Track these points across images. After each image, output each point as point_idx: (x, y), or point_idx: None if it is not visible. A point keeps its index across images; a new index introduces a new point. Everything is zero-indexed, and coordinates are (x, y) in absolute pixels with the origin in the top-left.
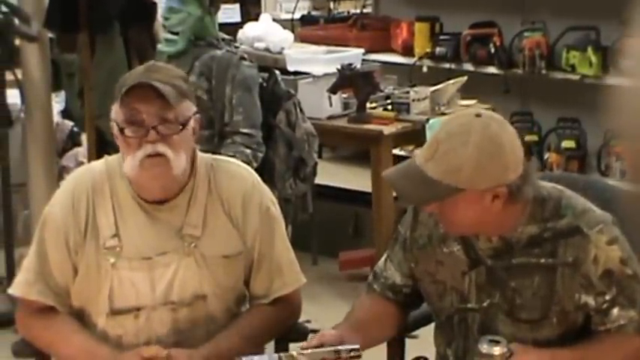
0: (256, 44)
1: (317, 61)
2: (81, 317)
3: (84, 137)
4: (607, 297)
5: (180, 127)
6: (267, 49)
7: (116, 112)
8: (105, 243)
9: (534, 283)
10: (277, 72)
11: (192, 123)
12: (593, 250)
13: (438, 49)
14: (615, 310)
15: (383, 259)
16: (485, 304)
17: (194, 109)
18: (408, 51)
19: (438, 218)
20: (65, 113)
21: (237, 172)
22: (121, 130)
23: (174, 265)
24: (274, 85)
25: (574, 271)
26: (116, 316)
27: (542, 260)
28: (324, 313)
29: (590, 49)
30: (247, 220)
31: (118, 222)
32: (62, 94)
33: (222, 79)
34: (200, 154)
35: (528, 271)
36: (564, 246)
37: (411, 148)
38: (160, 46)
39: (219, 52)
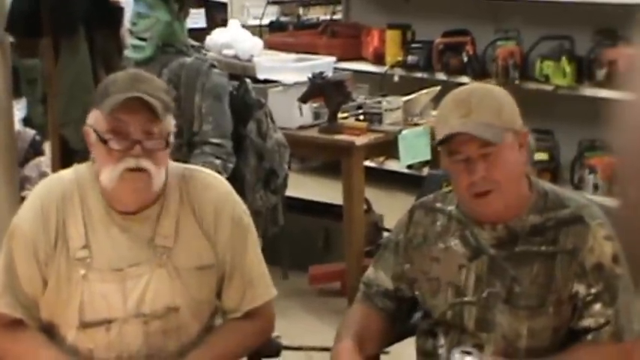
0: (224, 51)
1: (287, 69)
2: (50, 331)
3: (47, 146)
4: (593, 290)
5: (165, 143)
6: (235, 57)
7: (98, 119)
8: (75, 254)
9: (534, 270)
10: (248, 80)
11: (172, 138)
12: (591, 240)
13: (409, 58)
14: (597, 306)
15: (371, 269)
16: (484, 295)
17: (173, 122)
18: (379, 59)
19: (483, 185)
20: (26, 121)
21: (209, 182)
22: (104, 140)
23: (147, 277)
24: (245, 93)
25: (572, 258)
26: (87, 329)
27: (543, 248)
28: (294, 329)
29: (564, 59)
30: (219, 230)
31: (88, 232)
32: (23, 101)
33: (191, 87)
34: (172, 164)
35: (529, 259)
36: (566, 234)
37: (381, 159)
38: (127, 52)
39: (188, 60)
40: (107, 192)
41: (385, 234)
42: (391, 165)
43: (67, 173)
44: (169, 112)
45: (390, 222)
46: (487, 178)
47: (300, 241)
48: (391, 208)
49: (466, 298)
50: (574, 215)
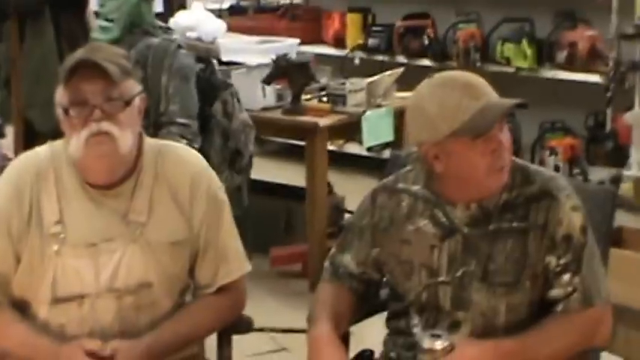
0: (188, 33)
1: (251, 51)
2: (22, 307)
3: (9, 129)
4: (562, 261)
5: (125, 104)
6: (199, 39)
7: (60, 95)
8: (49, 230)
9: (507, 247)
10: (215, 61)
11: (137, 101)
12: (559, 213)
13: (370, 41)
14: (566, 276)
15: (335, 251)
16: (458, 274)
17: (139, 87)
18: (339, 42)
19: (505, 158)
20: None
21: (185, 156)
22: (66, 111)
23: (120, 252)
24: (211, 74)
25: (543, 232)
26: (59, 304)
27: (515, 224)
28: (255, 310)
29: (525, 42)
30: (194, 205)
31: (62, 208)
32: None
33: (158, 67)
34: (148, 139)
35: (502, 236)
36: (536, 210)
37: (341, 142)
38: (94, 34)
39: (155, 41)
40: (78, 164)
41: (347, 216)
42: (351, 148)
43: (42, 150)
44: (129, 76)
45: (350, 204)
46: (508, 151)
47: (262, 223)
48: (351, 191)
49: (440, 278)
50: (542, 190)
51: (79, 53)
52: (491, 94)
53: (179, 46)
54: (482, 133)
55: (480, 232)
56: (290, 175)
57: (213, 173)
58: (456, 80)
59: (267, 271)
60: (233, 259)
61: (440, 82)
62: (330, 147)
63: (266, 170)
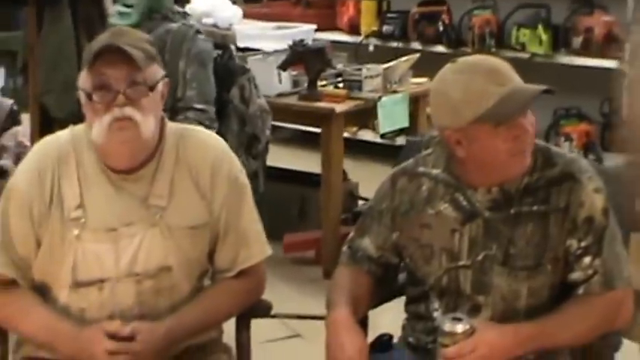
0: (204, 20)
1: (267, 37)
2: (42, 291)
3: (24, 116)
4: (583, 243)
5: (149, 89)
6: (215, 25)
7: (83, 79)
8: (70, 214)
9: (528, 231)
10: (232, 47)
11: (160, 87)
12: (581, 195)
13: (385, 28)
14: (587, 259)
15: (354, 235)
16: (479, 258)
17: (162, 72)
18: (354, 29)
19: (530, 142)
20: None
21: (206, 140)
22: (89, 96)
23: (140, 236)
24: (229, 59)
25: (564, 215)
26: (79, 288)
27: (535, 208)
28: (268, 296)
29: (540, 27)
30: (215, 188)
31: (83, 192)
32: (1, 71)
33: (176, 53)
34: (169, 123)
35: (523, 220)
36: (557, 193)
37: (354, 129)
38: (112, 20)
39: (174, 26)
40: (100, 149)
41: (360, 202)
42: (364, 135)
43: (63, 134)
44: (153, 61)
45: (364, 191)
46: (532, 136)
47: (275, 210)
48: (365, 178)
49: (461, 262)
50: (563, 172)
51: (104, 38)
52: (516, 80)
53: (198, 32)
54: (506, 121)
55: (501, 216)
56: (302, 162)
57: (234, 157)
58: (480, 65)
59: (281, 257)
60: (254, 243)
61: (464, 67)
62: (344, 134)
63: (279, 157)
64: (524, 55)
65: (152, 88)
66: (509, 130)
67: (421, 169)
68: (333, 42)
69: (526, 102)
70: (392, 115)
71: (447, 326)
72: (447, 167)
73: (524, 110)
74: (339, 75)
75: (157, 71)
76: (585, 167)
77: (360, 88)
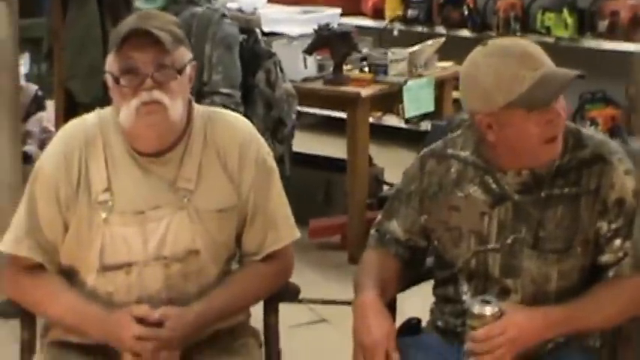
0: (229, 4)
1: (292, 21)
2: (70, 275)
3: (48, 102)
4: (613, 226)
5: (177, 73)
6: (239, 10)
7: (111, 62)
8: (97, 197)
9: (558, 213)
10: (258, 30)
11: (188, 70)
12: (612, 177)
13: (409, 12)
14: (617, 241)
15: (382, 218)
16: (508, 241)
17: (190, 55)
18: (378, 14)
19: (560, 127)
20: (29, 77)
21: (234, 123)
22: (116, 80)
23: (167, 220)
24: (254, 44)
25: (595, 197)
26: (107, 272)
27: (566, 190)
28: (294, 281)
29: (565, 11)
30: (243, 171)
31: (110, 176)
32: (26, 56)
33: (202, 36)
34: (197, 106)
35: (553, 202)
36: (588, 175)
37: (379, 114)
38: (138, 3)
39: (199, 9)
40: (127, 132)
41: (385, 187)
42: (389, 120)
43: (90, 117)
44: (182, 44)
45: (388, 177)
46: (563, 120)
47: (300, 195)
48: (389, 164)
49: (490, 245)
50: (594, 154)
51: (131, 21)
52: (547, 63)
53: (223, 15)
54: (539, 106)
55: (531, 199)
56: (328, 147)
57: (262, 140)
58: (511, 48)
59: (306, 243)
60: (282, 226)
61: (495, 50)
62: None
63: (303, 143)
64: (550, 39)
65: (180, 71)
66: (542, 115)
67: (450, 151)
68: (358, 27)
69: (561, 87)
70: (417, 99)
71: (477, 308)
72: (476, 150)
73: (559, 95)
74: (364, 59)
75: (184, 54)
76: (615, 149)
77: (385, 72)
